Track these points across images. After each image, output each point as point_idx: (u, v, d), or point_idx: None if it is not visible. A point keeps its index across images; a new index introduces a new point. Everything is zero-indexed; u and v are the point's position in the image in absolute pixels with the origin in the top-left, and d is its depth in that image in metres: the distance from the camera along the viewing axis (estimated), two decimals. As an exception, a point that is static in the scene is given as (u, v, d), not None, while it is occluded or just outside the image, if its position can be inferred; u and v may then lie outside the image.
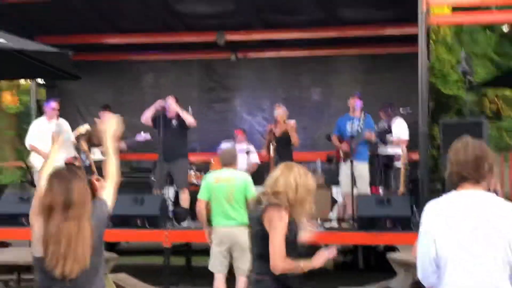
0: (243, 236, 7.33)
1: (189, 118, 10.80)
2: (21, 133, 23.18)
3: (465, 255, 3.25)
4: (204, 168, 12.04)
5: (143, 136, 11.60)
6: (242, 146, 11.71)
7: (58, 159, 3.92)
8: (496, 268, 3.21)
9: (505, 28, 14.54)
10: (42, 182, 3.80)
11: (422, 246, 3.38)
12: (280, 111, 11.02)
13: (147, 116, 10.96)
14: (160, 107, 10.88)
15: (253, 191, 7.56)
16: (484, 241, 3.23)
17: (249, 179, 7.73)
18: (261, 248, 4.26)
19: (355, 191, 10.31)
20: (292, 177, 4.35)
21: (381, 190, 10.85)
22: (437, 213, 3.35)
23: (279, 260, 4.15)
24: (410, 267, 7.55)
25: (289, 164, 4.52)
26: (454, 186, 3.38)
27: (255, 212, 4.34)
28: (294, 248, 4.32)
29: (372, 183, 10.85)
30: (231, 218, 7.48)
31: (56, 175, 3.65)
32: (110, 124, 4.06)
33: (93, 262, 3.61)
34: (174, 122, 10.99)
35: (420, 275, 3.44)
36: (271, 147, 10.68)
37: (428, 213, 3.40)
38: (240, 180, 7.59)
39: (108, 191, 3.91)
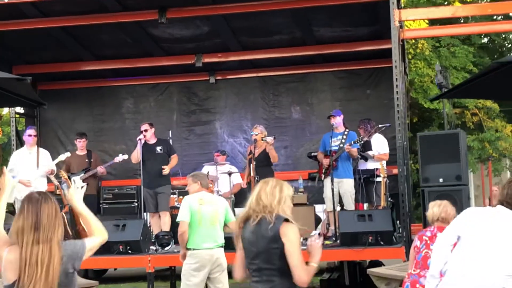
0: (224, 257, 7.41)
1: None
2: (4, 164, 23.10)
3: (477, 253, 4.20)
4: (186, 192, 11.97)
5: (121, 157, 11.58)
6: (224, 168, 11.68)
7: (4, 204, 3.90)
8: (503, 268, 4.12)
9: None
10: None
11: (443, 237, 4.51)
12: (257, 131, 11.05)
13: (135, 158, 11.06)
14: (139, 140, 10.94)
15: (232, 214, 7.69)
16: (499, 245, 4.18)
17: (227, 202, 7.82)
18: (283, 265, 4.23)
19: (340, 207, 10.32)
20: (277, 190, 4.35)
21: (365, 206, 10.83)
22: (470, 215, 4.41)
23: (305, 274, 4.16)
24: (391, 281, 7.53)
25: (267, 180, 4.50)
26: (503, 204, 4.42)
27: (265, 230, 4.29)
28: None
29: (356, 199, 10.82)
30: (214, 240, 7.40)
31: (28, 199, 3.66)
32: (73, 191, 4.04)
33: None
34: (158, 148, 11.02)
35: (432, 266, 4.46)
36: (252, 167, 10.67)
37: (463, 213, 4.47)
38: (221, 203, 7.64)
39: (93, 240, 3.88)
